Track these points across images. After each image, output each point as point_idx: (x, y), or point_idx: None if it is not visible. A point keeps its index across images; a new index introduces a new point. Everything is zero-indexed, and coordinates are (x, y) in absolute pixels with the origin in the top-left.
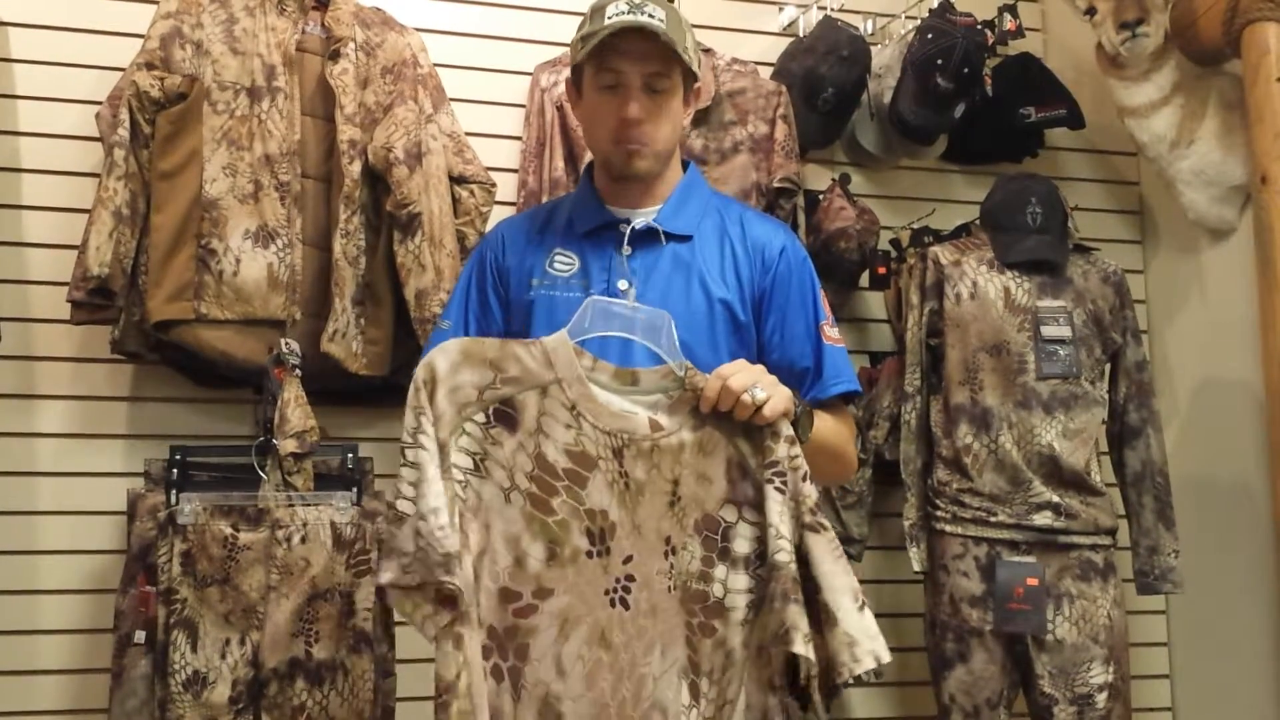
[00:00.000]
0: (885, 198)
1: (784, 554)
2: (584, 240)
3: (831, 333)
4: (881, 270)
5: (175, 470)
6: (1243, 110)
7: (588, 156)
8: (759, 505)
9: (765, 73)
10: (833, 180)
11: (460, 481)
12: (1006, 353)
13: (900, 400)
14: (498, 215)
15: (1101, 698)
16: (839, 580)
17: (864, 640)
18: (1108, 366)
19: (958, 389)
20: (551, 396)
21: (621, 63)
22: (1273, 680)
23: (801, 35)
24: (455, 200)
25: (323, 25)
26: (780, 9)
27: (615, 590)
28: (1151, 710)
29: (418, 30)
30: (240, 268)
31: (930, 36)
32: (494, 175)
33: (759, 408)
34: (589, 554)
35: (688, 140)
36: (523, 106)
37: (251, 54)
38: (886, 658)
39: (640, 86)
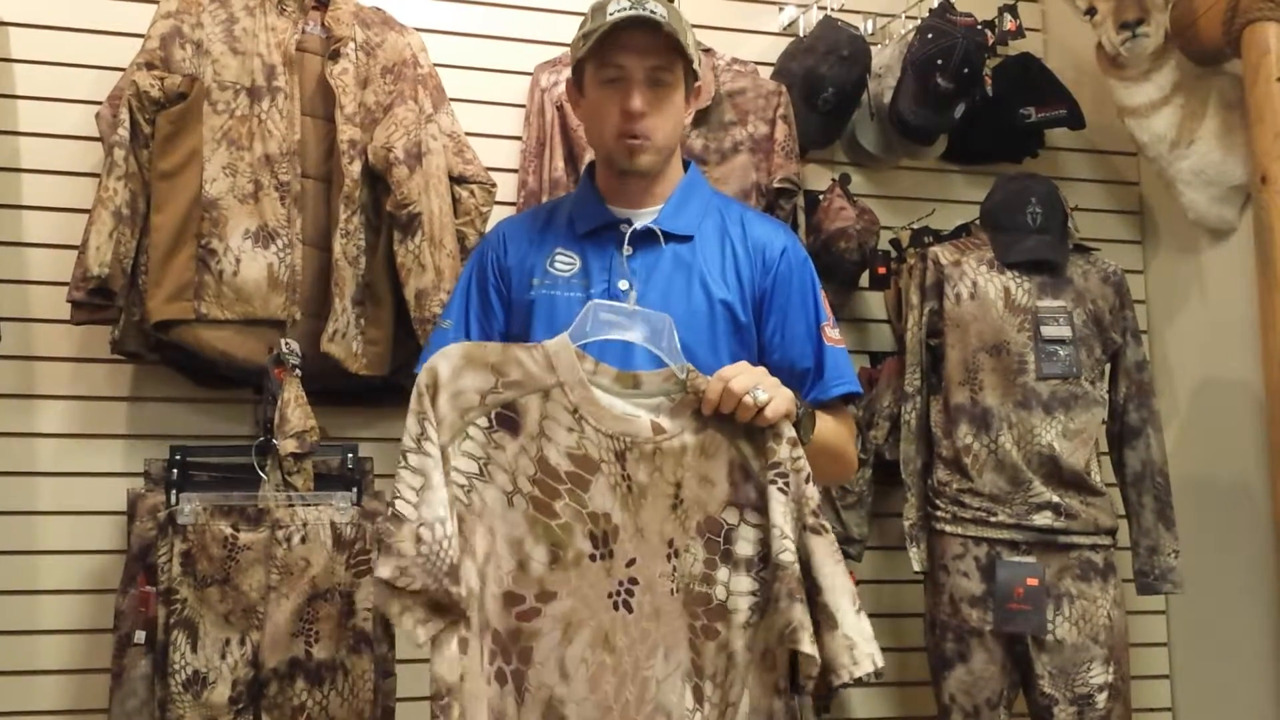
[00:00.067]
0: (885, 198)
1: (788, 554)
2: (585, 240)
3: (832, 333)
4: (881, 270)
5: (175, 470)
6: (1243, 110)
7: (588, 156)
8: (761, 507)
9: (765, 73)
10: (833, 180)
11: (463, 486)
12: (1006, 353)
13: (900, 400)
14: (498, 215)
15: (1101, 698)
16: (839, 582)
17: (862, 643)
18: (1108, 366)
19: (958, 389)
20: (553, 400)
21: (624, 56)
22: (1273, 680)
23: (801, 35)
24: (455, 200)
25: (323, 25)
26: (780, 9)
27: (618, 593)
28: (1151, 710)
29: (418, 30)
30: (240, 268)
31: (930, 36)
32: (494, 175)
33: (761, 409)
34: (592, 557)
35: (688, 140)
36: (523, 106)
37: (251, 54)
38: (881, 662)
39: (643, 80)
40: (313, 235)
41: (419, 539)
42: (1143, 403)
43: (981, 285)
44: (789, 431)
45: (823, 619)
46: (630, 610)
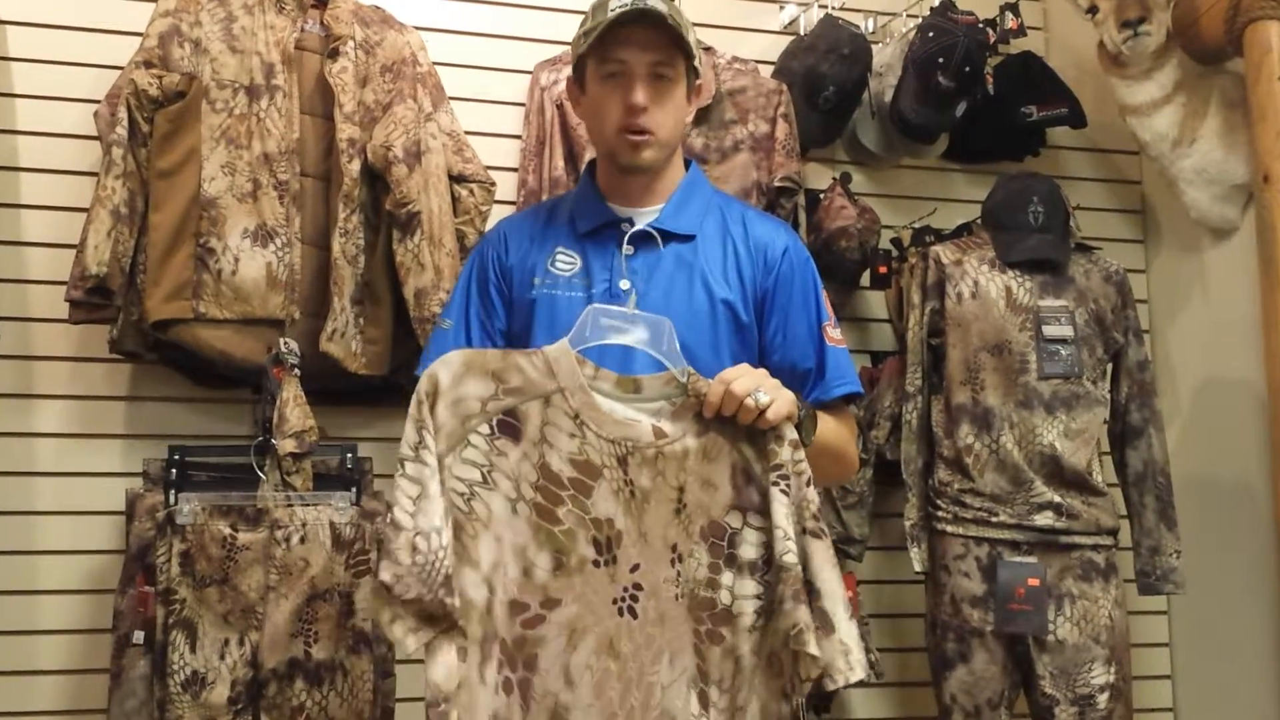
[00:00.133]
0: (886, 197)
1: (791, 555)
2: (586, 239)
3: (834, 334)
4: (883, 269)
5: (174, 470)
6: (1245, 109)
7: (588, 155)
8: (764, 510)
9: (766, 71)
10: (834, 179)
11: (463, 494)
12: (1008, 352)
13: (901, 400)
14: (497, 214)
15: (1103, 698)
16: (835, 588)
17: (855, 649)
18: (1109, 366)
19: (959, 389)
20: (554, 406)
21: (626, 51)
22: (1274, 680)
23: (802, 33)
24: (455, 199)
25: (322, 23)
26: (781, 7)
27: (623, 599)
28: (1153, 711)
29: (417, 28)
30: (239, 267)
31: (931, 35)
32: (494, 174)
33: (762, 412)
34: (596, 563)
35: (688, 139)
36: (523, 105)
37: (250, 52)
38: (866, 671)
39: (645, 75)
40: (311, 234)
41: (414, 548)
42: (1144, 402)
43: (983, 284)
44: (791, 433)
45: (820, 623)
46: (635, 616)
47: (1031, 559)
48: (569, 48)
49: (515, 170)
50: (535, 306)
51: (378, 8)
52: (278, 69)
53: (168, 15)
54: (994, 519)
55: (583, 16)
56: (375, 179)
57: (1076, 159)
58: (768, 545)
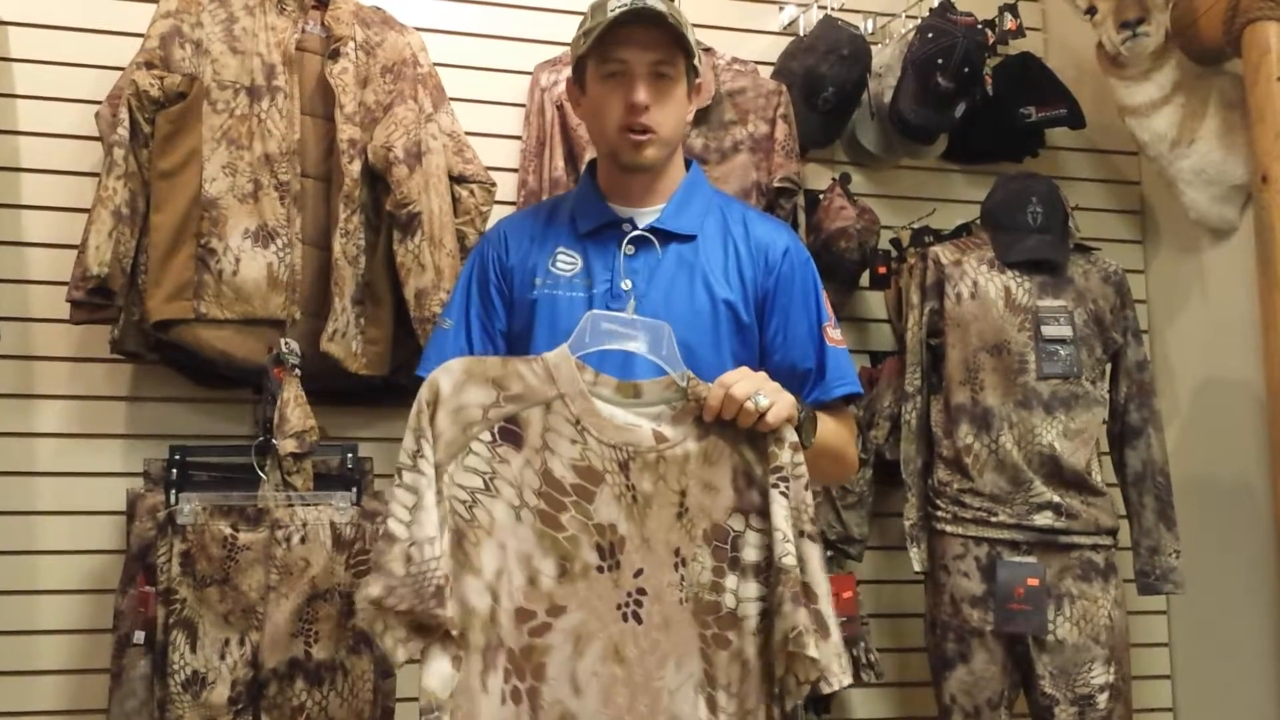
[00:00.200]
0: (885, 197)
1: (790, 557)
2: (587, 239)
3: (834, 334)
4: (882, 270)
5: (175, 470)
6: (1243, 109)
7: (588, 156)
8: (766, 512)
9: (765, 72)
10: (833, 180)
11: (466, 502)
12: (1007, 352)
13: (901, 400)
14: (498, 215)
15: (1102, 698)
16: (827, 591)
17: (844, 654)
18: (1108, 366)
19: (958, 389)
20: (555, 412)
21: (626, 51)
22: (1274, 680)
23: (802, 34)
24: (455, 200)
25: (322, 24)
26: (780, 8)
27: (627, 604)
28: (1152, 711)
29: (418, 29)
30: (240, 267)
31: (931, 36)
32: (494, 175)
33: (762, 415)
34: (599, 569)
35: (688, 140)
36: (523, 106)
37: (251, 53)
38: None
39: (646, 74)
40: (312, 235)
41: (409, 559)
42: (1144, 402)
43: (982, 285)
44: (791, 436)
45: (818, 625)
46: (640, 621)
47: (1031, 559)
48: (569, 48)
49: (515, 171)
50: (536, 306)
51: (378, 9)
52: (279, 70)
53: (169, 16)
54: (993, 519)
55: (581, 17)
56: (376, 180)
57: (1075, 159)
58: (769, 548)
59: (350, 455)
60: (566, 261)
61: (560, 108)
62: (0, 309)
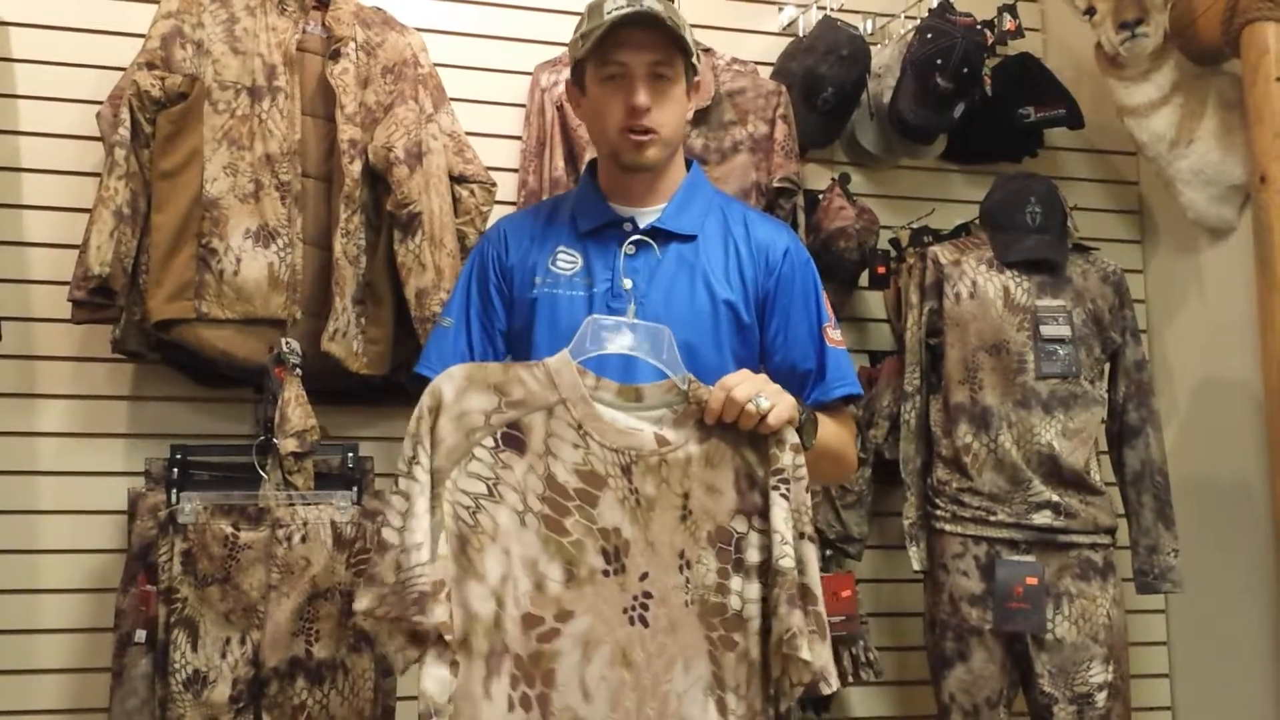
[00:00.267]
0: (885, 197)
1: (788, 560)
2: (587, 238)
3: (834, 335)
4: (881, 270)
5: (176, 469)
6: (1242, 110)
7: (588, 156)
8: (768, 513)
9: (765, 72)
10: (832, 180)
11: (469, 508)
12: (1006, 352)
13: (900, 399)
14: (498, 215)
15: (1101, 697)
16: (821, 592)
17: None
18: (1107, 366)
19: (957, 388)
20: (557, 417)
21: (625, 53)
22: (1272, 679)
23: (801, 35)
24: (455, 200)
25: (323, 25)
26: (780, 9)
27: (633, 608)
28: (1151, 709)
29: (418, 30)
30: (241, 267)
31: (930, 36)
32: (494, 175)
33: (763, 417)
34: (605, 573)
35: (688, 140)
36: (523, 106)
37: (252, 54)
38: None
39: (645, 75)
40: (313, 235)
41: (399, 566)
42: (1142, 402)
43: (981, 284)
44: (792, 438)
45: (817, 627)
46: (646, 625)
47: (1030, 558)
48: (568, 50)
49: (516, 171)
50: (536, 305)
51: (379, 9)
52: (279, 70)
53: (170, 17)
54: (992, 518)
55: (578, 19)
56: (376, 180)
57: (1074, 160)
58: (770, 549)
59: (351, 454)
60: (567, 260)
61: (560, 108)
62: (2, 309)
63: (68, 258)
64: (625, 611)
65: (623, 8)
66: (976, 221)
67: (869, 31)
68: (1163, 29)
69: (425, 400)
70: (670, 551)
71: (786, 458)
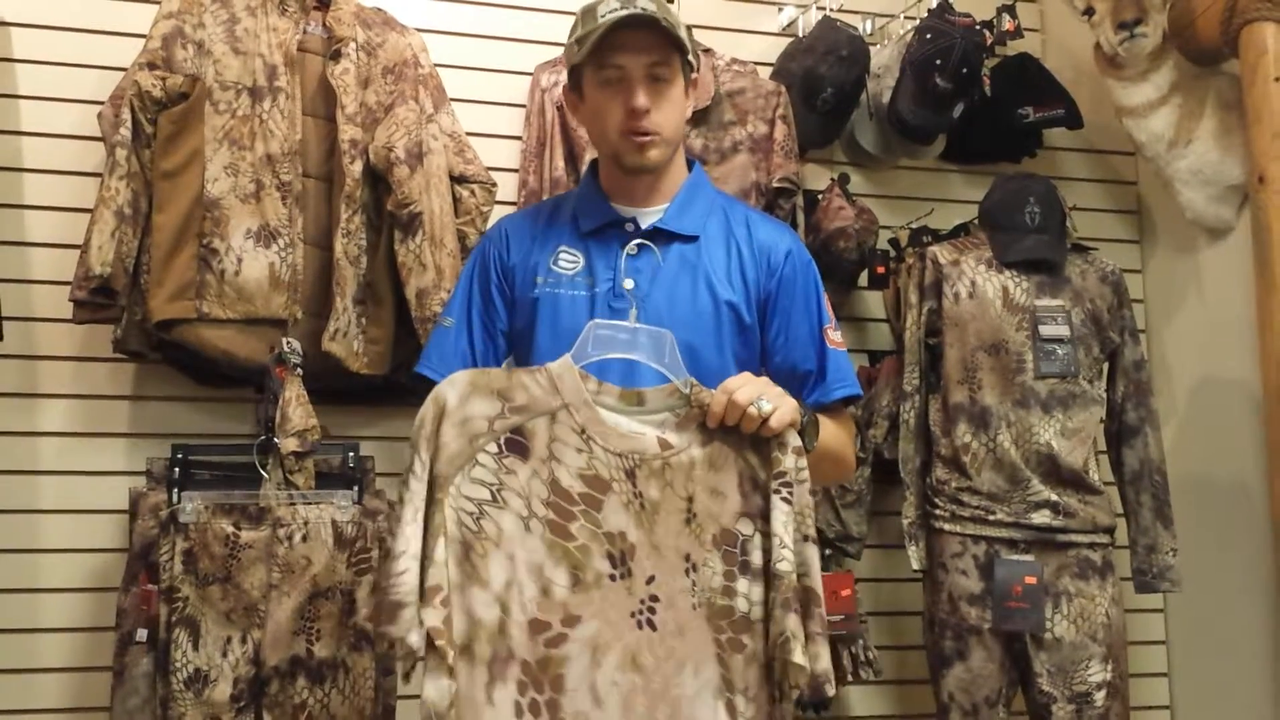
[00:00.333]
0: (884, 197)
1: (786, 563)
2: (589, 238)
3: (834, 336)
4: (880, 270)
5: (177, 469)
6: (1240, 110)
7: (588, 156)
8: (769, 515)
9: (765, 73)
10: (832, 180)
11: (473, 514)
12: (1005, 352)
13: (899, 399)
14: (498, 215)
15: (1100, 696)
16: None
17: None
18: (1106, 365)
19: (956, 388)
20: (560, 422)
21: (622, 56)
22: (1271, 678)
23: (801, 35)
24: (456, 200)
25: (324, 25)
26: (779, 9)
27: (640, 612)
28: (1150, 708)
29: (418, 30)
30: (242, 267)
31: (929, 37)
32: (494, 175)
33: (765, 420)
34: (611, 577)
35: (688, 140)
36: (523, 106)
37: (253, 54)
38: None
39: (643, 77)
40: (314, 235)
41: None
42: (1141, 402)
43: (980, 284)
44: (794, 441)
45: (822, 629)
46: (654, 628)
47: (1029, 557)
48: (564, 54)
49: (516, 171)
50: (538, 305)
51: (379, 10)
52: (280, 71)
53: (171, 17)
54: (991, 517)
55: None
56: (377, 180)
57: (1073, 160)
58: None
59: (351, 454)
60: (569, 260)
61: (561, 108)
62: (4, 308)
63: (69, 258)
64: (633, 615)
65: (617, 10)
66: (975, 221)
67: (868, 32)
68: (1161, 29)
69: (428, 407)
70: (676, 555)
71: (789, 461)
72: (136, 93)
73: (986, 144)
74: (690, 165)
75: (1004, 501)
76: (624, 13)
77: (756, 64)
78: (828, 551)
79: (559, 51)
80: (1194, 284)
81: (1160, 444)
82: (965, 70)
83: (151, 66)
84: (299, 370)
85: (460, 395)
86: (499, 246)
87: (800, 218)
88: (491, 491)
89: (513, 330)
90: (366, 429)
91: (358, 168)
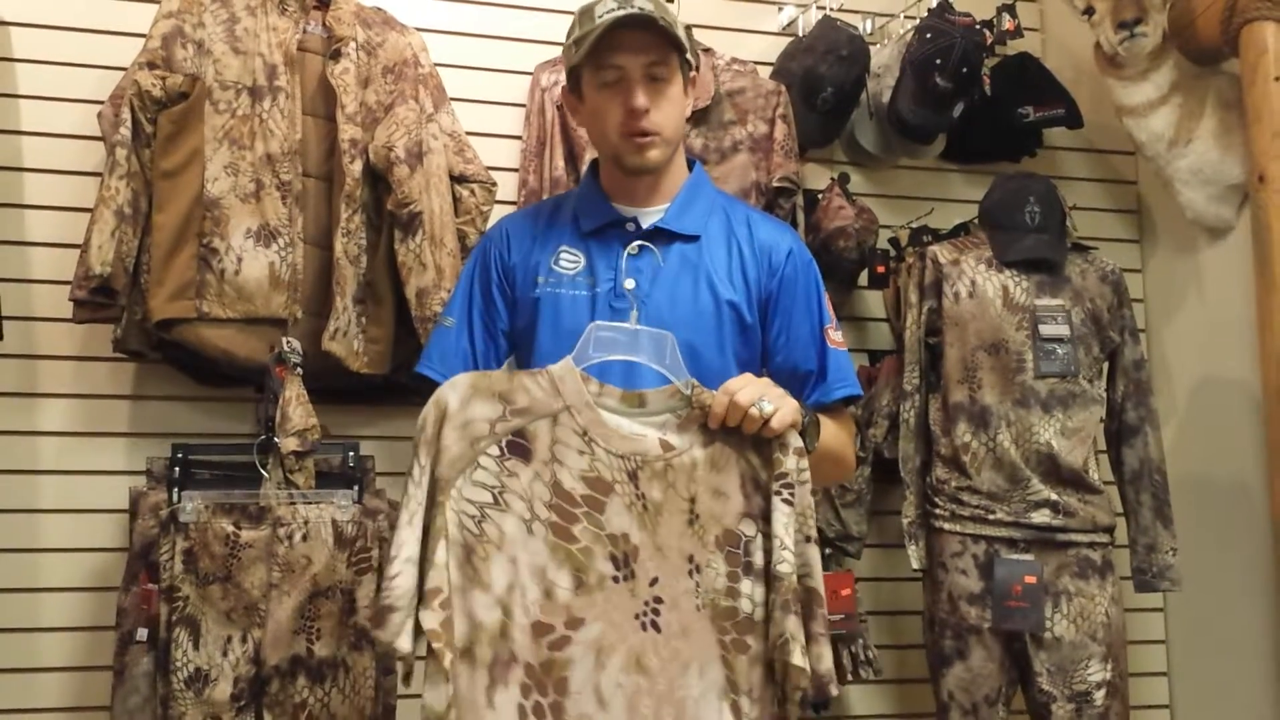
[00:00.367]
0: (884, 197)
1: (786, 565)
2: (590, 238)
3: (835, 336)
4: (880, 269)
5: (177, 468)
6: (1241, 109)
7: (588, 156)
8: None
9: (765, 72)
10: (832, 179)
11: (474, 517)
12: (1005, 351)
13: (899, 399)
14: (498, 214)
15: (1099, 695)
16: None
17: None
18: (1106, 365)
19: (956, 387)
20: (562, 424)
21: (620, 57)
22: (1270, 677)
23: (801, 35)
24: (456, 199)
25: (324, 25)
26: (780, 9)
27: (645, 613)
28: (1149, 708)
29: (418, 30)
30: (242, 266)
31: (929, 36)
32: (494, 174)
33: (767, 421)
34: (615, 579)
35: (688, 140)
36: (523, 106)
37: (253, 53)
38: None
39: (642, 77)
40: (314, 234)
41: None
42: (1141, 401)
43: (980, 284)
44: (795, 442)
45: (825, 630)
46: (658, 630)
47: (1028, 556)
48: (562, 54)
49: (516, 170)
50: (539, 305)
51: (379, 9)
52: (280, 70)
53: (171, 16)
54: (991, 517)
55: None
56: (377, 179)
57: (1073, 159)
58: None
59: (351, 453)
60: (570, 260)
61: (561, 108)
62: (4, 308)
63: (69, 257)
64: (637, 617)
65: (614, 10)
66: (975, 221)
67: (868, 31)
68: (1161, 29)
69: (429, 411)
70: (679, 556)
71: (790, 462)
72: (136, 92)
73: (986, 143)
74: (691, 165)
75: (1004, 501)
76: (621, 13)
77: (756, 64)
78: (828, 551)
79: (559, 51)
80: (1194, 283)
81: (1160, 443)
82: (965, 70)
83: (151, 66)
84: (299, 370)
85: (461, 398)
86: (499, 246)
87: (800, 217)
88: (493, 494)
89: (513, 330)
90: (366, 428)
91: (358, 167)
